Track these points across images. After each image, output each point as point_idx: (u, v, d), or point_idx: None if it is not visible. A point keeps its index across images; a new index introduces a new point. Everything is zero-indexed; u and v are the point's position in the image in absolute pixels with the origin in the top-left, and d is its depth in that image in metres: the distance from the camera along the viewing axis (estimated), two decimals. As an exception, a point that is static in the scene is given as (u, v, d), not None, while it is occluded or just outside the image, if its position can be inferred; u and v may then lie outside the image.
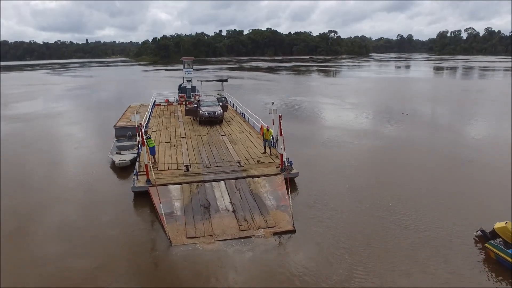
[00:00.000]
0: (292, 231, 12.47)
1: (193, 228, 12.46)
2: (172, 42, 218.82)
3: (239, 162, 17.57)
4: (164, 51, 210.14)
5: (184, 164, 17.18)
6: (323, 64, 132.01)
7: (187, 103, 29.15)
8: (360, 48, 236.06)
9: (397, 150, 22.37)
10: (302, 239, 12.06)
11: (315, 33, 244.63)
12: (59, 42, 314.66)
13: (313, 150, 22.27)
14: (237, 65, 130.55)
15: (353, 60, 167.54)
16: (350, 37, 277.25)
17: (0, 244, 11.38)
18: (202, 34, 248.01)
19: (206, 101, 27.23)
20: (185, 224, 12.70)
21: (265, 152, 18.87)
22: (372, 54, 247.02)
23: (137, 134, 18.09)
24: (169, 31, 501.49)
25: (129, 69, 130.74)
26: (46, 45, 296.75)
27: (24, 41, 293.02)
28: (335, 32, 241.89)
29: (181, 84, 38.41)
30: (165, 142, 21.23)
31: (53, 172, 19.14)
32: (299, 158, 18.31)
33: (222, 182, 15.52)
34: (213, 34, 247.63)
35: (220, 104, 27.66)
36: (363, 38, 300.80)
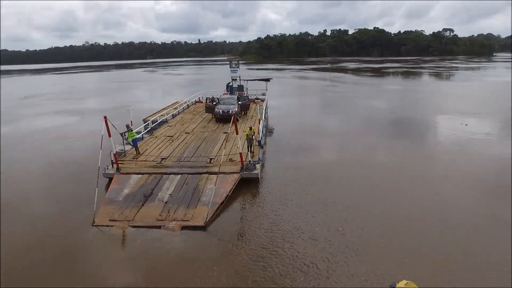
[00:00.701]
0: (202, 227, 12.81)
1: (119, 213, 13.74)
2: (275, 42, 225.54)
3: (210, 159, 18.27)
4: (267, 50, 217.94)
5: (161, 157, 18.60)
6: (430, 65, 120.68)
7: (207, 101, 30.59)
8: (482, 48, 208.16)
9: None
10: (205, 237, 12.34)
11: (428, 31, 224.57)
12: (174, 42, 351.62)
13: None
14: (324, 66, 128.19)
15: (466, 61, 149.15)
16: (473, 35, 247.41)
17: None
18: (306, 34, 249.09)
19: (224, 99, 28.33)
20: (117, 209, 14.05)
21: (248, 151, 19.05)
22: (497, 54, 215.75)
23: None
24: (278, 31, 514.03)
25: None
26: (163, 45, 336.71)
27: (146, 41, 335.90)
28: (451, 30, 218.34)
29: (229, 83, 40.17)
30: (168, 136, 22.99)
31: None
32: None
33: (179, 176, 16.48)
34: (317, 34, 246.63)
35: (239, 103, 28.34)
36: (488, 36, 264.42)
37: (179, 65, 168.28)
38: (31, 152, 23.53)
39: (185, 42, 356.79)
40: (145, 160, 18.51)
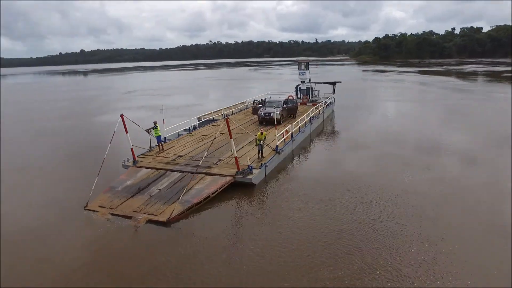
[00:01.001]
0: (164, 223, 13.66)
1: (110, 201, 15.52)
2: (394, 42, 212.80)
3: (219, 160, 19.02)
4: (384, 50, 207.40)
5: (178, 155, 20.06)
6: None
7: (254, 103, 31.00)
8: None
9: None
10: (162, 233, 13.17)
11: None
12: (292, 42, 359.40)
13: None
14: (439, 68, 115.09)
15: None
16: None
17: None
18: (430, 33, 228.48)
19: (270, 102, 28.56)
20: (111, 197, 15.85)
21: (258, 157, 19.22)
22: None
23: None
24: (402, 30, 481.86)
25: (342, 68, 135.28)
26: (280, 44, 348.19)
27: (264, 40, 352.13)
28: None
29: (298, 85, 40.02)
30: (202, 135, 24.41)
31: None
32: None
33: (179, 173, 17.63)
34: (443, 33, 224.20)
35: (284, 106, 28.15)
36: None
37: (289, 64, 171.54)
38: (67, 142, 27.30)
39: (302, 41, 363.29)
40: (163, 156, 20.17)
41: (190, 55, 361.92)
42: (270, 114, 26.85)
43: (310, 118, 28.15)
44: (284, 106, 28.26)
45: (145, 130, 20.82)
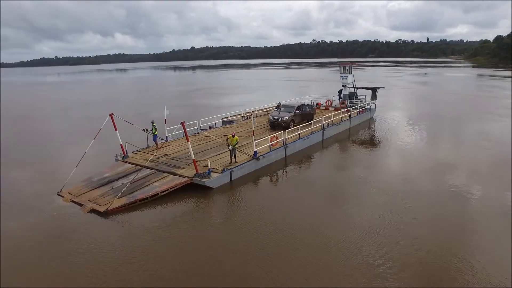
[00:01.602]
0: (101, 213, 15.31)
1: (78, 189, 17.76)
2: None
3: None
4: (506, 51, 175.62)
5: (165, 154, 21.69)
6: None
7: (275, 108, 30.85)
8: None
9: None
10: (98, 223, 14.82)
11: None
12: (400, 41, 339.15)
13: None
14: None
15: None
16: None
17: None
18: None
19: (284, 106, 28.79)
20: (82, 186, 18.11)
21: (230, 162, 19.79)
22: None
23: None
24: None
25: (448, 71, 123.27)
26: (387, 43, 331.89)
27: (370, 40, 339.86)
28: None
29: (341, 90, 38.69)
30: (206, 136, 25.39)
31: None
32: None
33: (148, 171, 19.22)
34: None
35: (297, 111, 27.77)
36: None
37: (396, 65, 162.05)
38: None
39: (411, 41, 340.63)
40: (151, 154, 21.93)
41: (293, 54, 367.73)
42: (278, 119, 26.89)
43: (322, 125, 27.31)
44: (297, 111, 27.88)
45: (143, 129, 22.85)
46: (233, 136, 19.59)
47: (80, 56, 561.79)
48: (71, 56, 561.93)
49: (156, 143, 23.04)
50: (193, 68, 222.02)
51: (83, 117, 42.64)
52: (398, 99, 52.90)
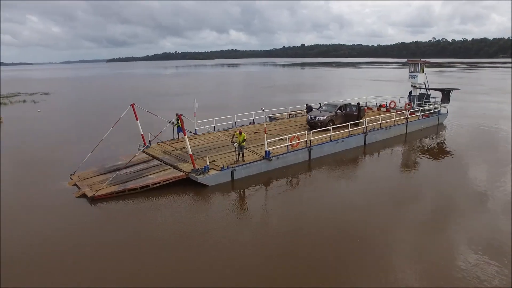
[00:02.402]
0: (88, 197, 15.72)
1: (87, 174, 18.57)
2: None
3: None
4: None
5: (183, 147, 21.45)
6: None
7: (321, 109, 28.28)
8: None
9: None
10: (82, 206, 15.27)
11: None
12: None
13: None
14: None
15: None
16: None
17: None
18: None
19: (326, 105, 26.84)
20: (92, 171, 18.87)
21: (236, 160, 18.82)
22: None
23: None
24: None
25: None
26: None
27: (502, 37, 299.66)
28: None
29: (411, 91, 34.48)
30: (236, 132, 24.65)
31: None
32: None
33: (156, 162, 19.28)
34: None
35: (339, 111, 25.58)
36: None
37: None
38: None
39: None
40: (169, 146, 22.01)
41: (408, 53, 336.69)
42: (315, 118, 24.92)
43: (365, 128, 24.40)
44: (338, 111, 25.35)
45: (168, 121, 23.03)
46: (240, 133, 18.45)
47: (197, 51, 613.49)
48: (189, 51, 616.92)
49: (178, 135, 23.02)
50: (302, 64, 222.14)
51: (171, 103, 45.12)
52: (491, 105, 44.98)
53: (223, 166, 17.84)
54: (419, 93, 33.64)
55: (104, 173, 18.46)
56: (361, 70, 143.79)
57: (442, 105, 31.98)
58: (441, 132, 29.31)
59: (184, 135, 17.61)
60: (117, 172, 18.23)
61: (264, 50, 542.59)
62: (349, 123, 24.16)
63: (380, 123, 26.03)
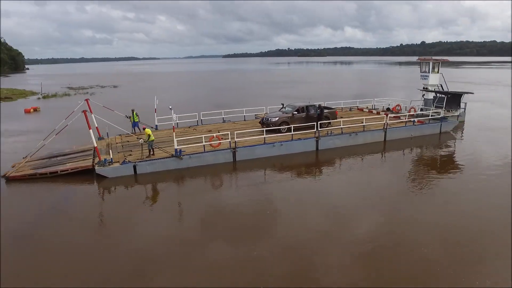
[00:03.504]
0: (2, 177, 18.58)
1: (33, 159, 21.53)
2: None
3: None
4: None
5: (128, 142, 23.30)
6: None
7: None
8: None
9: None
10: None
11: None
12: None
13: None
14: None
15: None
16: None
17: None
18: None
19: (287, 107, 25.81)
20: (39, 157, 21.84)
21: (151, 153, 19.97)
22: None
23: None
24: None
25: None
26: None
27: None
28: None
29: (424, 94, 30.79)
30: (208, 130, 25.44)
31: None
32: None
33: (90, 152, 21.45)
34: None
35: (296, 113, 24.66)
36: None
37: None
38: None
39: None
40: (120, 138, 24.09)
41: None
42: (268, 119, 24.36)
43: (316, 132, 23.03)
44: (295, 113, 24.26)
45: (126, 116, 25.17)
46: (144, 129, 19.52)
47: (310, 48, 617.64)
48: (301, 48, 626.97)
49: (134, 130, 24.93)
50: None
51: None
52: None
53: (125, 159, 19.06)
54: (438, 97, 29.41)
55: (43, 159, 21.26)
56: (489, 71, 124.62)
57: (448, 110, 27.64)
58: (438, 144, 25.30)
59: (89, 129, 19.11)
60: (51, 159, 20.87)
61: (380, 48, 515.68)
62: (315, 124, 23.56)
63: (342, 128, 23.96)
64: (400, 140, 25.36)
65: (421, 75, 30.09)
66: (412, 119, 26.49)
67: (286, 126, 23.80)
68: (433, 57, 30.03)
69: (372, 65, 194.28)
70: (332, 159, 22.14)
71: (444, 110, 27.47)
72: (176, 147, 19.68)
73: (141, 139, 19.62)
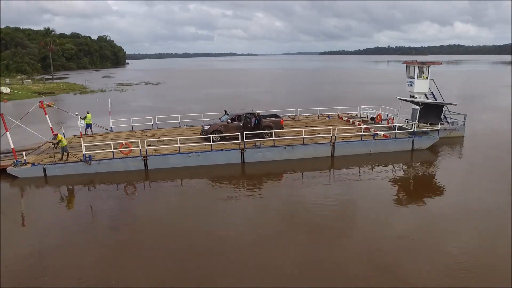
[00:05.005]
0: None
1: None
2: None
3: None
4: None
5: (71, 143, 24.70)
6: None
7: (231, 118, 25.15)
8: None
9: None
10: None
11: None
12: None
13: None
14: None
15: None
16: None
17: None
18: None
19: (230, 115, 24.41)
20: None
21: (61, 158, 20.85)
22: None
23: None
24: None
25: None
26: None
27: None
28: None
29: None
30: (154, 136, 25.66)
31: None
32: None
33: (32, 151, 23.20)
34: None
35: (230, 121, 23.55)
36: None
37: None
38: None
39: None
40: (71, 139, 25.50)
41: None
42: (204, 127, 23.54)
43: (241, 144, 21.58)
44: (229, 121, 22.96)
45: (75, 114, 26.39)
46: (56, 135, 20.30)
47: (412, 46, 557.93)
48: (403, 46, 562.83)
49: (86, 131, 26.13)
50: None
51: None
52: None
53: (34, 162, 20.10)
54: (424, 106, 25.18)
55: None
56: None
57: (423, 124, 23.40)
58: (401, 167, 21.59)
59: (6, 131, 20.34)
60: (-1, 155, 22.93)
61: (496, 45, 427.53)
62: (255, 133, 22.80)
63: (274, 140, 21.90)
64: (357, 156, 22.24)
65: (407, 81, 25.88)
66: (372, 133, 22.99)
67: (219, 135, 22.61)
68: (418, 60, 25.46)
69: (485, 65, 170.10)
70: (255, 174, 20.46)
71: (418, 124, 23.24)
72: (84, 152, 20.13)
73: (52, 144, 20.47)
